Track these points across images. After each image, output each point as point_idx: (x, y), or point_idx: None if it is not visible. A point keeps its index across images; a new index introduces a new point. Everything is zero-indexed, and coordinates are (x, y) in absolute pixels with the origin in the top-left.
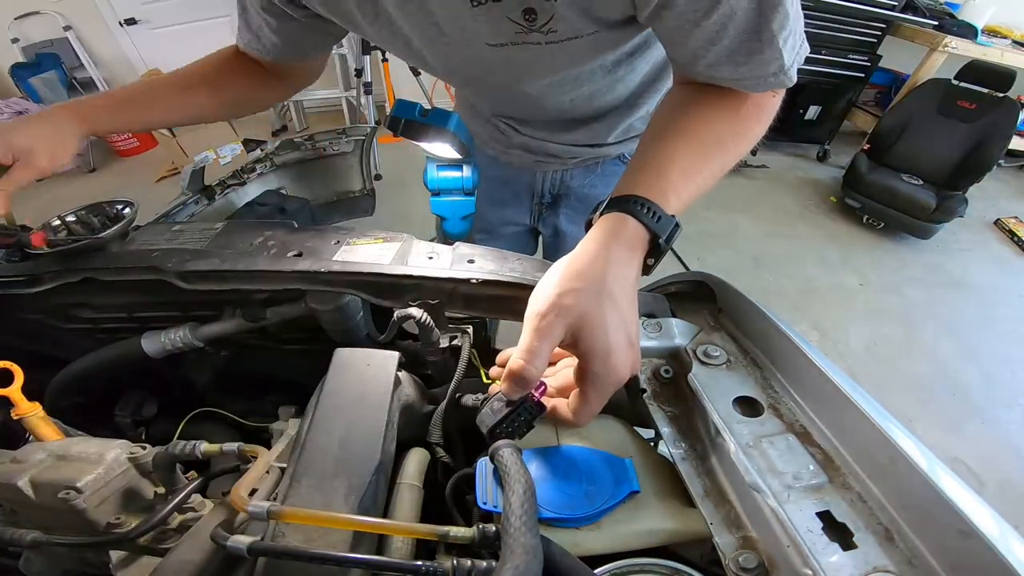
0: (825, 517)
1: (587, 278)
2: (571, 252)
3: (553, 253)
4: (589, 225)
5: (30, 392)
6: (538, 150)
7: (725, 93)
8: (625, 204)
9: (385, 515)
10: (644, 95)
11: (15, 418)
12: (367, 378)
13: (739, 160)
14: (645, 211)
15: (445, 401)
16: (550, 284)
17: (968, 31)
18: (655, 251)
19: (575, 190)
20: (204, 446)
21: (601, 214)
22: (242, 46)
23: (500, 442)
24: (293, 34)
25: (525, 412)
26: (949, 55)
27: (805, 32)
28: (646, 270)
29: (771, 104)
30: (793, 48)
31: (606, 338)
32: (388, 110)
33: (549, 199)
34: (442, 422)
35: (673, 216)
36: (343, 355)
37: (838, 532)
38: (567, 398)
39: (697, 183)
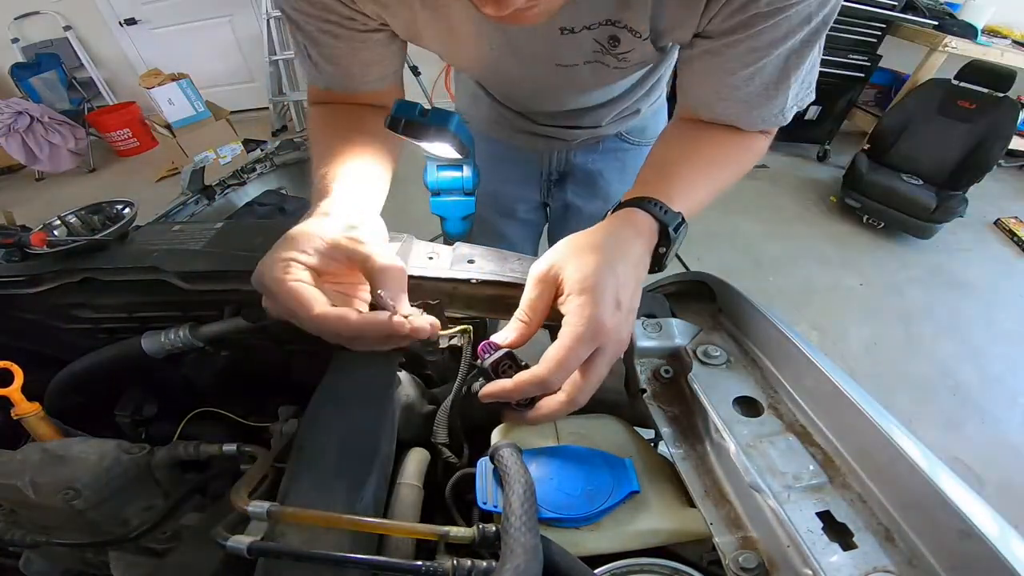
0: (825, 517)
1: (588, 248)
2: (572, 239)
3: (561, 225)
4: None
5: (30, 392)
6: (542, 134)
7: (723, 127)
8: (633, 202)
9: (385, 515)
10: (642, 81)
11: (15, 418)
12: (367, 378)
13: (733, 182)
14: (652, 204)
15: (450, 397)
16: (553, 251)
17: (968, 31)
18: (664, 241)
19: (579, 167)
20: (204, 446)
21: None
22: (322, 87)
23: (500, 442)
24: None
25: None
26: (949, 55)
27: None
28: (658, 260)
29: (759, 142)
30: (797, 95)
31: (604, 300)
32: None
33: (556, 176)
34: (447, 421)
35: (680, 212)
36: (343, 355)
37: (838, 532)
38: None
39: (699, 197)
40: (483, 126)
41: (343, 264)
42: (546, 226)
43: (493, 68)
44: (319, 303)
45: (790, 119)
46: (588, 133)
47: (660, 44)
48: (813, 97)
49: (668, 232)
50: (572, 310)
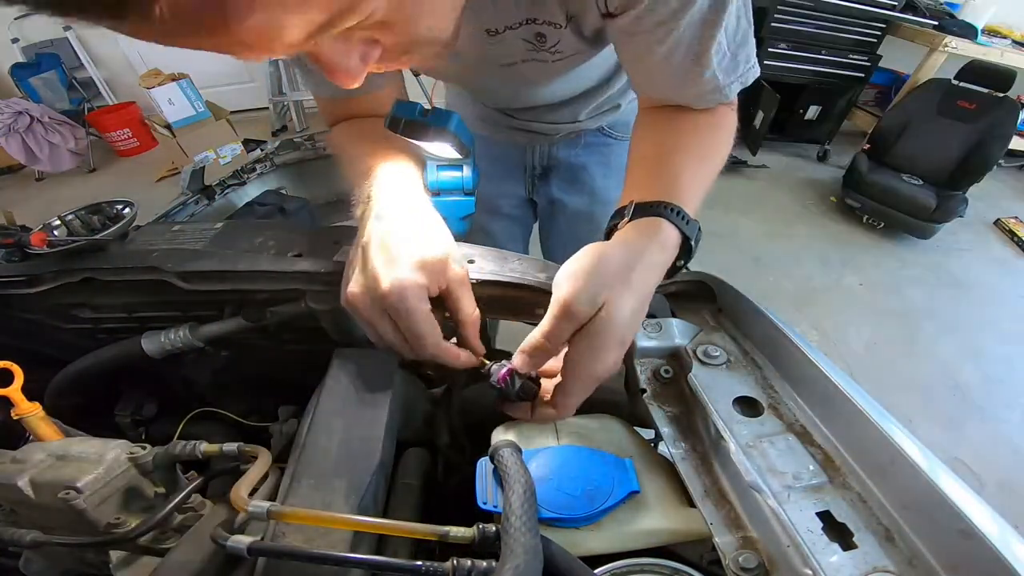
0: (825, 517)
1: (621, 277)
2: (603, 245)
3: (550, 222)
4: (611, 232)
5: (30, 392)
6: (525, 128)
7: (685, 110)
8: (656, 208)
9: (385, 515)
10: (615, 75)
11: (15, 418)
12: (367, 378)
13: (719, 168)
14: (675, 214)
15: (450, 397)
16: (582, 273)
17: (968, 31)
18: (685, 253)
19: (562, 161)
20: (204, 446)
21: (630, 219)
22: (328, 96)
23: (500, 442)
24: None
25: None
26: (949, 55)
27: (806, 31)
28: (674, 271)
29: (726, 117)
30: (730, 69)
31: (618, 338)
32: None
33: (540, 171)
34: (447, 421)
35: (697, 221)
36: (343, 355)
37: (838, 532)
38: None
39: (699, 190)
40: (467, 122)
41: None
42: (536, 224)
43: (449, 72)
44: (439, 333)
45: (734, 95)
46: (568, 127)
47: (585, 33)
48: (757, 72)
49: (691, 245)
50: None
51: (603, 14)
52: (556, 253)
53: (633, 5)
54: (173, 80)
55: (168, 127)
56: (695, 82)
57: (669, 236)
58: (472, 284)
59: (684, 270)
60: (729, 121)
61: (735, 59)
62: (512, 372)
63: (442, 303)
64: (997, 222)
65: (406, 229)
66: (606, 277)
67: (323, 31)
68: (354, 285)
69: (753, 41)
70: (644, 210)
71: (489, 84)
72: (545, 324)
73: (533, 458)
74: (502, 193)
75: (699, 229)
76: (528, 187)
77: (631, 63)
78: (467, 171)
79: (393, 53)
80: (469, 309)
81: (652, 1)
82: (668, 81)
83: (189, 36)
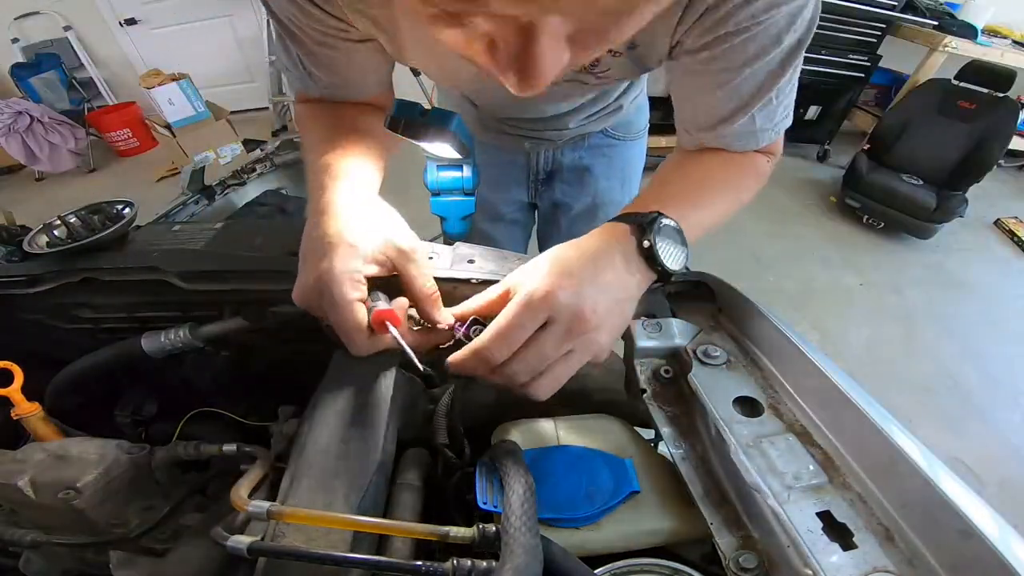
0: (825, 517)
1: (581, 279)
2: (568, 245)
3: (550, 224)
4: None
5: (30, 392)
6: (529, 136)
7: (721, 152)
8: (631, 217)
9: (385, 515)
10: (629, 85)
11: (15, 418)
12: (367, 378)
13: (735, 200)
14: (628, 216)
15: (448, 395)
16: (540, 274)
17: (968, 31)
18: (643, 235)
19: (567, 164)
20: (204, 446)
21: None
22: (315, 95)
23: (500, 442)
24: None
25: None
26: (949, 55)
27: None
28: (652, 257)
29: (757, 161)
30: (769, 118)
31: (550, 269)
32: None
33: (544, 175)
34: (447, 422)
35: (655, 211)
36: (343, 355)
37: (838, 532)
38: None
39: (695, 214)
40: (469, 128)
41: (386, 271)
42: (535, 227)
43: (479, 88)
44: (365, 329)
45: (767, 143)
46: (574, 132)
47: (647, 64)
48: (789, 122)
49: (643, 227)
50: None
51: (672, 47)
52: None
53: (711, 47)
54: (173, 80)
55: (168, 127)
56: (736, 122)
57: (614, 225)
58: (472, 284)
59: (658, 253)
60: (757, 164)
61: (777, 108)
62: (475, 321)
63: (394, 285)
64: (997, 222)
65: (339, 220)
66: (555, 274)
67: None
68: (296, 286)
69: (794, 95)
70: (622, 217)
71: (516, 101)
72: (501, 326)
73: (533, 458)
74: (505, 199)
75: (659, 216)
76: (531, 192)
77: (684, 97)
78: (467, 171)
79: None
80: (421, 283)
81: (731, 47)
82: (712, 119)
83: None
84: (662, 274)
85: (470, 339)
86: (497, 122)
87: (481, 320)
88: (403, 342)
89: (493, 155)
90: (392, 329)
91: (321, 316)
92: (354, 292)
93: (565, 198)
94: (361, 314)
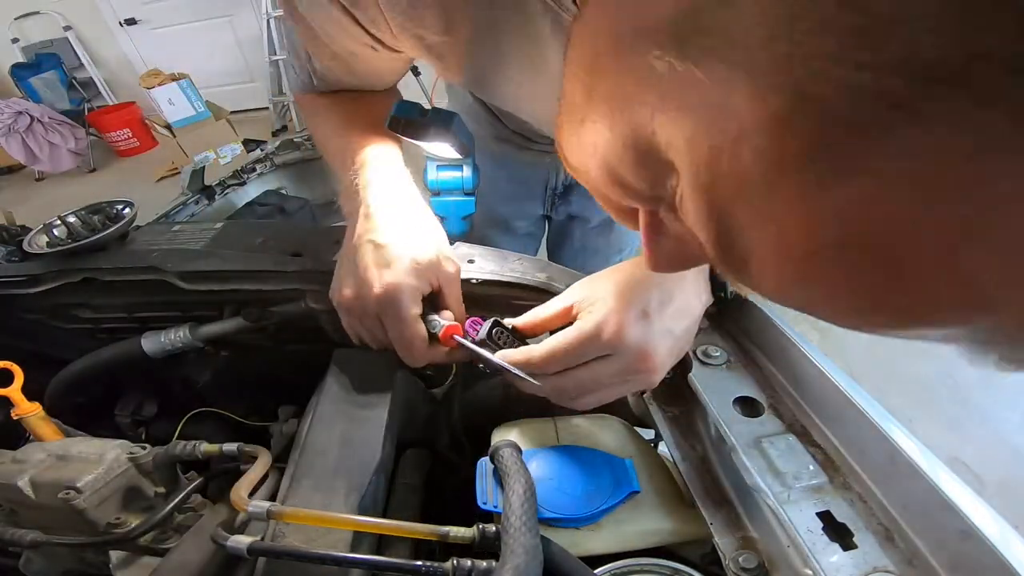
0: (825, 517)
1: (652, 317)
2: (637, 264)
3: (563, 234)
4: None
5: (30, 392)
6: (552, 151)
7: None
8: None
9: (385, 515)
10: None
11: (15, 418)
12: (367, 378)
13: None
14: None
15: (447, 392)
16: (610, 303)
17: None
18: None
19: None
20: (204, 446)
21: None
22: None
23: (500, 442)
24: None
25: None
26: None
27: None
28: (718, 284)
29: None
30: None
31: (626, 307)
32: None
33: (562, 189)
34: (447, 422)
35: None
36: (343, 355)
37: (838, 532)
38: None
39: None
40: (484, 143)
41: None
42: (544, 237)
43: (531, 119)
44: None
45: None
46: None
47: None
48: None
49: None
50: (585, 311)
51: None
52: (566, 263)
53: None
54: (173, 80)
55: (168, 127)
56: None
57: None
58: (472, 284)
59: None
60: None
61: None
62: (496, 323)
63: (433, 300)
64: None
65: (397, 227)
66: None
67: None
68: (346, 287)
69: None
70: None
71: (536, 111)
72: (559, 347)
73: (533, 458)
74: (520, 213)
75: None
76: (547, 205)
77: None
78: (467, 171)
79: None
80: (456, 307)
81: None
82: None
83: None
84: (720, 299)
85: (494, 341)
86: (523, 139)
87: (501, 322)
88: (481, 351)
89: (513, 170)
90: (465, 341)
91: (364, 320)
92: (417, 308)
93: (583, 211)
94: (423, 328)
